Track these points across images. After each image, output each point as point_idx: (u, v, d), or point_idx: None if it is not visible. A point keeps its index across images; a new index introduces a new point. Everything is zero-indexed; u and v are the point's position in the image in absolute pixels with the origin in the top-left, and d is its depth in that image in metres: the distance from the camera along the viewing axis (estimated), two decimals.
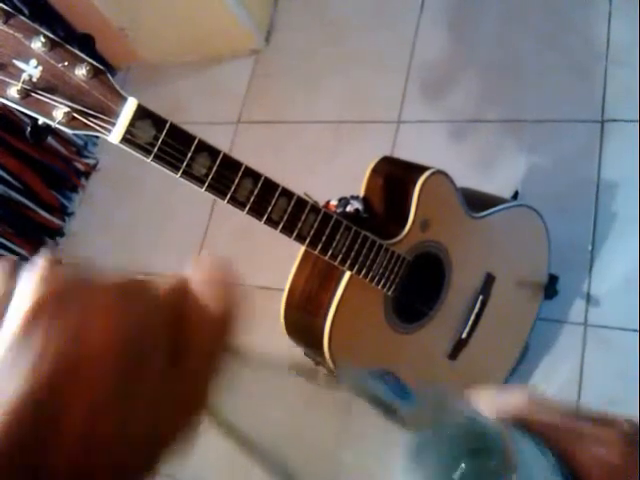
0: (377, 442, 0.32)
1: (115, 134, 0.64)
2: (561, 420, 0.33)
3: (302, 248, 0.96)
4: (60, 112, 0.56)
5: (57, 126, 0.56)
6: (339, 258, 0.92)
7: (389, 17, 2.01)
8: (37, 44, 0.53)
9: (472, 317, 1.21)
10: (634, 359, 1.33)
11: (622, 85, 1.64)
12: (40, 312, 0.26)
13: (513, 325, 1.38)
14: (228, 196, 0.75)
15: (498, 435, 0.30)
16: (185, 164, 0.70)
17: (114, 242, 2.12)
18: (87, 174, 2.27)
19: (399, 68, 1.92)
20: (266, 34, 2.17)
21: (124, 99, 0.64)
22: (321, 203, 0.98)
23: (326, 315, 0.98)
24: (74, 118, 0.57)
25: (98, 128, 0.62)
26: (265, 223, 0.81)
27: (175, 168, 0.70)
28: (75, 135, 2.11)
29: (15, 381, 0.24)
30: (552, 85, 1.73)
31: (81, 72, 0.57)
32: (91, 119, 0.60)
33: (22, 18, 0.52)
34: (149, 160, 0.68)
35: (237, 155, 0.75)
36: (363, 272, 0.96)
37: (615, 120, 1.62)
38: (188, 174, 0.71)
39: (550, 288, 1.42)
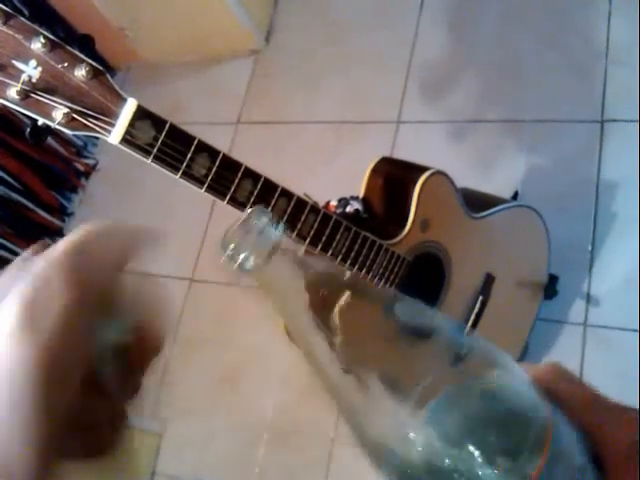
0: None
1: (115, 135, 0.64)
2: (586, 392, 0.32)
3: (302, 248, 0.96)
4: (60, 113, 0.56)
5: (57, 127, 0.56)
6: (339, 258, 0.92)
7: (389, 17, 2.01)
8: (37, 45, 0.52)
9: (472, 317, 1.21)
10: (634, 359, 1.33)
11: (622, 85, 1.64)
12: None
13: (513, 325, 1.38)
14: (228, 197, 0.75)
15: (542, 410, 0.29)
16: (185, 165, 0.70)
17: None
18: (87, 174, 2.27)
19: (399, 68, 1.92)
20: (266, 34, 2.17)
21: (124, 100, 0.64)
22: (321, 204, 0.98)
23: None
24: (74, 119, 0.57)
25: (98, 129, 0.62)
26: None
27: (175, 169, 0.70)
28: (75, 136, 2.11)
29: None
30: (552, 85, 1.73)
31: (81, 73, 0.57)
32: (91, 120, 0.60)
33: (22, 19, 0.52)
34: (149, 161, 0.68)
35: (237, 155, 0.75)
36: (363, 272, 0.96)
37: (615, 120, 1.62)
38: (188, 175, 0.71)
39: (550, 288, 1.42)
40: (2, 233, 2.02)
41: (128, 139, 0.65)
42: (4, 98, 0.52)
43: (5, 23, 0.51)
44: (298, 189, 0.86)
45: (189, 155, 0.70)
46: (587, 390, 0.33)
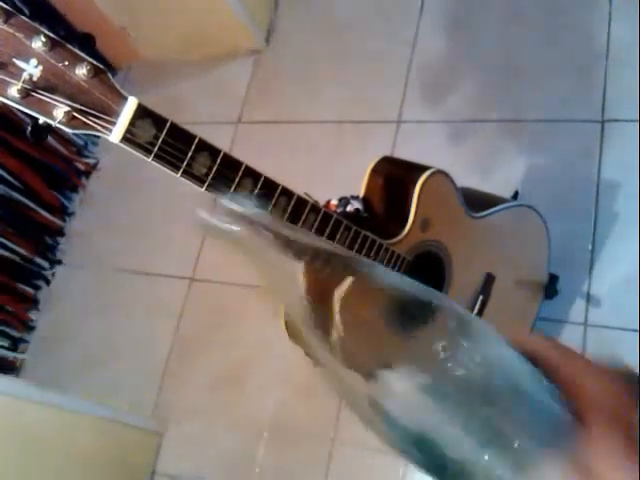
0: None
1: (115, 133, 0.64)
2: (565, 352, 0.35)
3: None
4: (60, 111, 0.56)
5: (57, 125, 0.56)
6: None
7: (389, 17, 2.01)
8: (37, 43, 0.53)
9: None
10: (634, 359, 1.33)
11: (622, 85, 1.64)
12: None
13: (513, 325, 1.38)
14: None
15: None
16: (185, 164, 0.70)
17: (114, 242, 2.12)
18: (87, 174, 2.27)
19: (399, 68, 1.92)
20: (266, 34, 2.17)
21: (124, 98, 0.64)
22: (321, 203, 0.98)
23: None
24: (74, 117, 0.57)
25: (98, 127, 0.62)
26: None
27: (175, 168, 0.70)
28: (75, 135, 2.11)
29: None
30: (552, 85, 1.73)
31: (81, 71, 0.57)
32: (91, 118, 0.60)
33: (22, 18, 0.52)
34: (149, 160, 0.68)
35: (237, 155, 0.75)
36: None
37: (615, 120, 1.62)
38: (188, 174, 0.71)
39: (550, 288, 1.42)
40: (3, 232, 2.02)
41: (129, 138, 0.65)
42: (5, 97, 0.52)
43: (6, 22, 0.51)
44: (298, 188, 0.86)
45: (190, 154, 0.70)
46: (566, 351, 0.35)
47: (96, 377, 1.93)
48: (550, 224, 1.34)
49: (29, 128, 0.56)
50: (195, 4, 2.05)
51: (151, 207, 2.10)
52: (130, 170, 2.05)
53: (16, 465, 1.44)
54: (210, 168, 0.73)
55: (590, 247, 1.54)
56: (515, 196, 1.48)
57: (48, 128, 0.57)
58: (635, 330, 1.41)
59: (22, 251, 2.09)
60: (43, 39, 0.52)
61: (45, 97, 0.54)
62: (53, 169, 2.18)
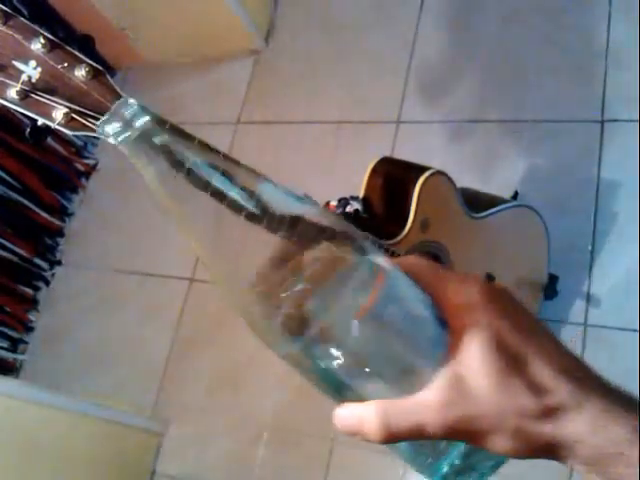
0: None
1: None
2: (431, 268, 0.39)
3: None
4: (59, 113, 0.56)
5: (57, 127, 0.56)
6: None
7: (389, 17, 2.01)
8: (36, 45, 0.52)
9: None
10: (634, 359, 1.33)
11: (622, 85, 1.64)
12: None
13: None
14: None
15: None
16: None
17: (114, 242, 2.12)
18: (87, 174, 2.27)
19: (399, 68, 1.92)
20: (266, 34, 2.17)
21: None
22: (321, 203, 0.98)
23: None
24: (73, 119, 0.57)
25: (98, 129, 0.62)
26: None
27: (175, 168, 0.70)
28: (75, 136, 2.11)
29: None
30: (552, 85, 1.73)
31: (80, 73, 0.56)
32: (90, 120, 0.60)
33: (21, 19, 0.52)
34: None
35: (237, 155, 0.75)
36: None
37: (615, 120, 1.62)
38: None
39: (550, 288, 1.42)
40: (2, 233, 2.02)
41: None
42: (4, 98, 0.52)
43: (5, 23, 0.51)
44: (298, 189, 0.86)
45: None
46: (432, 267, 0.39)
47: (96, 378, 1.93)
48: (550, 224, 1.34)
49: (28, 129, 0.56)
50: (194, 5, 2.04)
51: (151, 207, 2.09)
52: (130, 171, 2.04)
53: (15, 466, 1.44)
54: None
55: (590, 247, 1.54)
56: (515, 196, 1.48)
57: (47, 129, 0.57)
58: (635, 330, 1.41)
59: (21, 252, 2.08)
60: (42, 41, 0.52)
61: (44, 99, 0.54)
62: (53, 170, 2.18)
